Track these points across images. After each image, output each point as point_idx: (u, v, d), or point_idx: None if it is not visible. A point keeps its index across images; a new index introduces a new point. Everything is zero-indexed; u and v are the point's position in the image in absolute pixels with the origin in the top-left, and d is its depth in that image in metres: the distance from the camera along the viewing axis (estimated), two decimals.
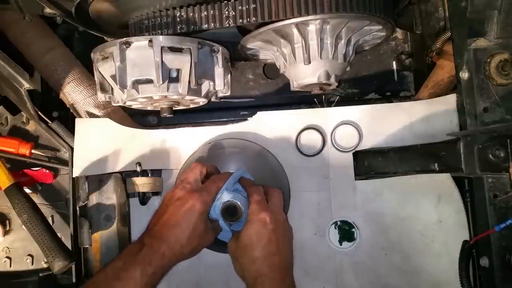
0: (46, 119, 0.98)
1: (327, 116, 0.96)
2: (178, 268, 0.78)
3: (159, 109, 0.89)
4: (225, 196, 0.81)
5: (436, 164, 0.85)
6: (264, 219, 0.77)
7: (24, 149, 0.97)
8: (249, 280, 0.76)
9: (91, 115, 0.99)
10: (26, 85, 0.92)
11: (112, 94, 0.87)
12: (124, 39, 0.80)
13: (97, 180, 0.95)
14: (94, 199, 0.94)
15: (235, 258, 0.80)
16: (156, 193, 0.96)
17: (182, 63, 0.80)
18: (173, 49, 0.80)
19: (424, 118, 0.93)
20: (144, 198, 0.96)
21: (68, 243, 0.92)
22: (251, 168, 0.91)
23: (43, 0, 0.86)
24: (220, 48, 0.85)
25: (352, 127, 0.95)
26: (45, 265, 0.98)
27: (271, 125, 0.97)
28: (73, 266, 0.90)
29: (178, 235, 0.76)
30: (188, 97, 0.85)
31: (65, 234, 0.96)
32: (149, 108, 0.93)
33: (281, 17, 0.78)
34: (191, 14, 0.81)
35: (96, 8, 0.87)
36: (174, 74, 0.82)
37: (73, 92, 0.98)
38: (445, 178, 0.92)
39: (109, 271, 0.74)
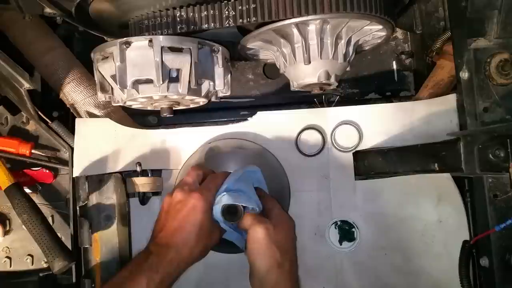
0: (46, 119, 0.98)
1: (327, 116, 0.96)
2: None
3: (159, 109, 0.89)
4: (225, 198, 0.80)
5: (436, 164, 0.85)
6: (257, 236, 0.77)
7: (24, 149, 0.97)
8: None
9: (91, 115, 0.99)
10: (26, 85, 0.92)
11: (112, 94, 0.87)
12: (124, 39, 0.80)
13: (97, 180, 0.95)
14: (94, 199, 0.94)
15: None
16: (156, 193, 0.96)
17: (182, 63, 0.80)
18: (173, 49, 0.80)
19: (424, 118, 0.93)
20: (144, 198, 0.95)
21: (68, 243, 0.92)
22: None
23: (43, 0, 0.86)
24: (220, 48, 0.85)
25: (352, 127, 0.95)
26: (45, 265, 0.99)
27: (271, 125, 0.97)
28: (73, 266, 0.90)
29: (185, 238, 0.76)
30: (188, 97, 0.85)
31: (65, 234, 0.96)
32: (149, 108, 0.93)
33: (281, 17, 0.78)
34: (191, 14, 0.81)
35: (96, 8, 0.87)
36: (174, 74, 0.82)
37: (73, 92, 0.98)
38: (445, 178, 0.92)
39: (115, 281, 0.73)
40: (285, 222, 0.82)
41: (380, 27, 0.85)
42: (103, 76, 0.85)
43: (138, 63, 0.80)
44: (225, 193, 0.80)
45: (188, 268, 0.77)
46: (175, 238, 0.76)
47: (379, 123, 0.95)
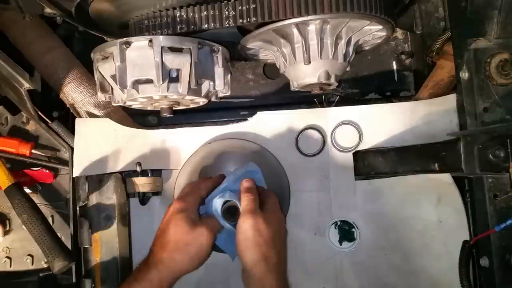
0: (46, 119, 0.98)
1: (327, 116, 0.96)
2: None
3: (159, 109, 0.89)
4: (226, 196, 0.81)
5: (436, 164, 0.85)
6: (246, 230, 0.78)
7: (24, 149, 0.97)
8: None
9: (91, 115, 0.99)
10: (26, 85, 0.92)
11: (112, 94, 0.87)
12: (124, 39, 0.80)
13: (97, 180, 0.95)
14: (94, 199, 0.94)
15: None
16: (156, 193, 0.96)
17: (182, 63, 0.80)
18: (173, 49, 0.80)
19: (424, 118, 0.93)
20: (144, 198, 0.95)
21: (68, 243, 0.92)
22: None
23: (43, 0, 0.86)
24: (220, 48, 0.85)
25: (352, 127, 0.95)
26: (45, 265, 0.99)
27: (271, 125, 0.97)
28: (73, 266, 0.90)
29: (162, 241, 0.78)
30: (188, 97, 0.85)
31: (65, 234, 0.96)
32: (149, 108, 0.93)
33: (281, 17, 0.78)
34: (191, 14, 0.81)
35: (96, 8, 0.87)
36: (174, 74, 0.82)
37: (73, 92, 0.98)
38: (445, 178, 0.92)
39: None
40: (275, 216, 0.82)
41: (380, 27, 0.85)
42: (103, 76, 0.85)
43: (138, 63, 0.80)
44: (227, 191, 0.82)
45: (179, 273, 0.78)
46: (155, 244, 0.80)
47: (379, 123, 0.95)
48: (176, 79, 0.82)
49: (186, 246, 0.77)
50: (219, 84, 0.87)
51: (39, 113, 0.97)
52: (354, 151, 0.95)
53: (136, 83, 0.81)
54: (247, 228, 0.77)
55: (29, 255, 1.00)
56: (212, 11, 0.81)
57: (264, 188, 0.88)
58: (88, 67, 1.00)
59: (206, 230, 0.79)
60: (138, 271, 0.77)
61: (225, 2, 0.80)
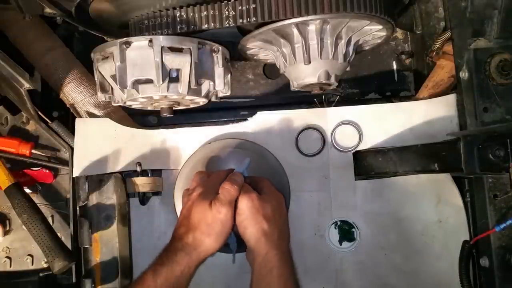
0: (46, 119, 0.98)
1: (327, 116, 0.96)
2: None
3: (159, 109, 0.89)
4: None
5: (436, 164, 0.85)
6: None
7: (24, 149, 0.97)
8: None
9: (91, 115, 0.99)
10: (26, 85, 0.92)
11: (112, 94, 0.87)
12: (124, 39, 0.80)
13: (97, 180, 0.95)
14: (94, 199, 0.94)
15: None
16: (156, 193, 0.96)
17: (182, 63, 0.80)
18: (173, 49, 0.80)
19: (424, 118, 0.93)
20: (144, 198, 0.96)
21: (68, 243, 0.92)
22: (251, 168, 0.91)
23: (43, 0, 0.86)
24: (220, 48, 0.85)
25: (352, 127, 0.95)
26: (45, 265, 0.99)
27: (271, 125, 0.97)
28: (73, 266, 0.90)
29: (187, 225, 0.79)
30: (188, 97, 0.85)
31: (65, 234, 0.97)
32: (149, 108, 0.93)
33: (281, 17, 0.78)
34: (191, 14, 0.81)
35: (96, 8, 0.87)
36: (174, 74, 0.82)
37: (73, 92, 0.98)
38: (445, 178, 0.92)
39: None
40: (273, 196, 0.83)
41: (380, 27, 0.85)
42: (103, 76, 0.86)
43: (138, 63, 0.80)
44: None
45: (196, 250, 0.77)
46: (176, 229, 0.80)
47: (379, 123, 0.95)
48: (176, 79, 0.82)
49: (208, 226, 0.77)
50: (219, 84, 0.87)
51: (39, 113, 0.97)
52: (354, 151, 0.95)
53: (136, 83, 0.81)
54: (244, 207, 0.78)
55: (29, 255, 1.00)
56: (212, 11, 0.81)
57: (252, 176, 0.88)
58: (88, 67, 1.00)
59: (222, 206, 0.78)
60: (163, 256, 0.76)
61: (225, 2, 0.80)
